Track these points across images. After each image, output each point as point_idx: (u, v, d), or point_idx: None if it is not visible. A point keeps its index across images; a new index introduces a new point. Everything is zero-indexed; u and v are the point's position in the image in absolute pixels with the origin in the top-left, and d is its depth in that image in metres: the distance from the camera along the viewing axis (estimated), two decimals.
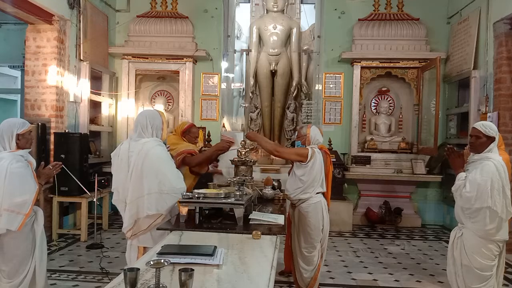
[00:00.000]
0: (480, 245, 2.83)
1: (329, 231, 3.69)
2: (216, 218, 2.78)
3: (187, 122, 4.25)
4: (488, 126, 2.87)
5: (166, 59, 6.94)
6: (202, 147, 6.58)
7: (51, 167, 2.89)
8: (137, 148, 2.77)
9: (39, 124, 5.21)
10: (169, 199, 2.76)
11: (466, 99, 6.35)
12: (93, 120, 6.63)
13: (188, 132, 3.86)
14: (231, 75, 7.70)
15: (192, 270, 1.46)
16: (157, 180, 2.72)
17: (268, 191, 3.68)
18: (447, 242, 3.13)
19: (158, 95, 7.45)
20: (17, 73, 8.73)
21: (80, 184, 4.74)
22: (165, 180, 2.75)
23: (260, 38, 7.75)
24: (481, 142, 2.87)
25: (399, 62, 6.80)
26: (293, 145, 4.16)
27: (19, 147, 2.74)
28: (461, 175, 2.88)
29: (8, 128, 2.74)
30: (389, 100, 7.19)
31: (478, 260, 2.83)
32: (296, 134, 3.95)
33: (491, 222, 2.77)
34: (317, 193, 3.51)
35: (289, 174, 3.80)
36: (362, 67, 6.85)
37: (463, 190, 2.81)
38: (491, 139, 2.84)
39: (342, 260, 4.90)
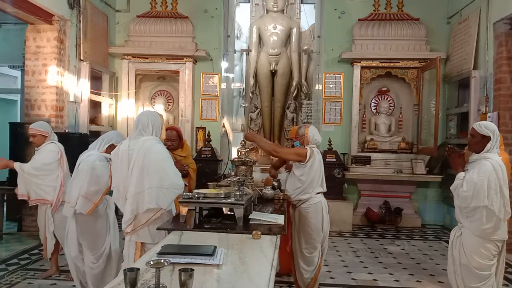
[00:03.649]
0: (478, 244, 2.83)
1: (329, 231, 3.69)
2: (216, 218, 2.79)
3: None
4: (483, 126, 2.89)
5: (166, 59, 6.94)
6: (202, 147, 6.63)
7: None
8: (137, 145, 2.80)
9: None
10: (169, 194, 2.78)
11: (466, 99, 6.35)
12: (93, 120, 6.64)
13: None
14: (231, 75, 7.70)
15: (192, 270, 1.46)
16: (158, 176, 2.74)
17: (268, 191, 3.67)
18: (447, 242, 3.14)
19: (158, 95, 7.45)
20: (17, 73, 8.72)
21: None
22: (166, 176, 2.78)
23: (260, 38, 7.76)
24: (476, 141, 2.90)
25: (399, 62, 6.80)
26: (293, 145, 4.15)
27: (106, 151, 3.42)
28: (460, 175, 2.90)
29: (111, 137, 3.50)
30: (389, 100, 7.19)
31: (476, 259, 2.83)
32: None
33: (487, 221, 2.77)
34: (317, 193, 3.50)
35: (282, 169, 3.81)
36: (362, 67, 6.85)
37: (460, 189, 2.83)
38: (486, 138, 2.85)
39: (342, 260, 4.90)
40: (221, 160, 6.74)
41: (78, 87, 6.03)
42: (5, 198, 5.51)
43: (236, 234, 2.45)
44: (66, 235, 3.49)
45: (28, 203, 3.98)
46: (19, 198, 3.97)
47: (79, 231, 3.39)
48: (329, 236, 3.71)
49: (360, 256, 5.06)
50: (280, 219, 2.74)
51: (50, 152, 3.91)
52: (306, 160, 3.40)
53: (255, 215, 2.80)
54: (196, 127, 7.10)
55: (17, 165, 3.83)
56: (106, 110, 6.98)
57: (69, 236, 3.43)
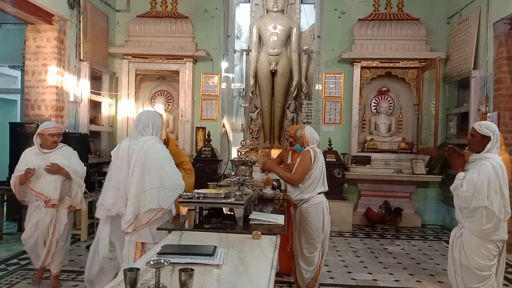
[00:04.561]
0: (478, 245, 2.83)
1: (330, 231, 3.69)
2: (216, 218, 2.79)
3: None
4: (484, 125, 2.89)
5: (166, 59, 6.94)
6: (202, 147, 6.63)
7: None
8: (138, 146, 2.80)
9: (39, 124, 5.18)
10: (170, 194, 2.79)
11: (466, 99, 6.35)
12: (93, 120, 6.63)
13: None
14: (231, 75, 7.70)
15: (192, 270, 1.46)
16: (159, 176, 2.75)
17: (268, 191, 3.68)
18: (447, 242, 3.13)
19: (158, 95, 7.45)
20: (17, 73, 8.73)
21: None
22: (166, 176, 2.79)
23: (260, 38, 7.76)
24: (476, 141, 2.89)
25: (399, 62, 6.80)
26: (291, 145, 4.16)
27: None
28: (460, 175, 2.89)
29: None
30: (389, 100, 7.19)
31: (476, 260, 2.83)
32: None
33: (487, 221, 2.77)
34: (319, 193, 3.50)
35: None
36: (362, 67, 6.85)
37: (460, 189, 2.83)
38: (486, 138, 2.84)
39: (342, 260, 4.90)
40: (221, 160, 6.74)
41: (78, 87, 6.03)
42: (5, 198, 5.51)
43: (236, 234, 2.45)
44: (97, 236, 3.33)
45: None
46: (51, 204, 3.67)
47: (112, 232, 3.23)
48: (329, 236, 3.71)
49: (360, 256, 5.06)
50: (280, 219, 2.74)
51: (76, 153, 3.84)
52: (313, 162, 3.42)
53: (255, 215, 2.80)
54: (196, 127, 7.10)
55: (70, 170, 3.66)
56: (106, 110, 6.98)
57: (101, 237, 3.28)
